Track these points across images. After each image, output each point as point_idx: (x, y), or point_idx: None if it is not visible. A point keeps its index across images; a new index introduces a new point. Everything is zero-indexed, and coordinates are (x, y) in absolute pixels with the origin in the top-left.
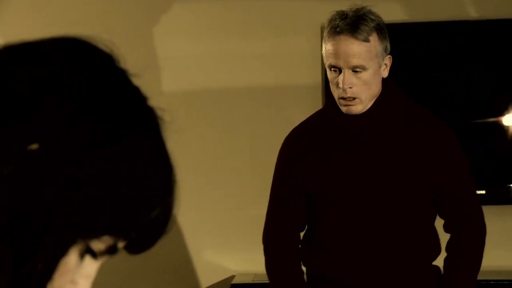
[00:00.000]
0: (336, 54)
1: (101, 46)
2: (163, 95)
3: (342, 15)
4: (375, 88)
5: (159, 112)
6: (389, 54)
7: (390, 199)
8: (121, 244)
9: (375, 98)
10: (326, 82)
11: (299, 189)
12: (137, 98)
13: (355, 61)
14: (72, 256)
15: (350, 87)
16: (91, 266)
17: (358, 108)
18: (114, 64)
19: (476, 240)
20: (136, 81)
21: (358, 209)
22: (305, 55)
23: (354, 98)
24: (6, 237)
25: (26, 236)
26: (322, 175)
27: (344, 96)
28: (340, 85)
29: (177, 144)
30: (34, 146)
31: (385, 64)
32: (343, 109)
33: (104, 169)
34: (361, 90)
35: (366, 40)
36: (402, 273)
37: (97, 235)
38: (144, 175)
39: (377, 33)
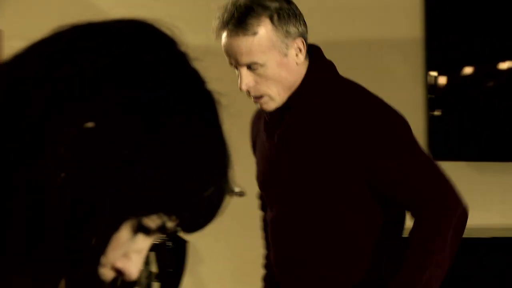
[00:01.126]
0: (226, 51)
1: (164, 29)
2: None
3: (230, 5)
4: (287, 80)
5: (216, 96)
6: (301, 36)
7: (304, 200)
8: (173, 223)
9: (293, 88)
10: (427, 33)
11: None
12: (195, 81)
13: (245, 59)
14: (124, 231)
15: (250, 86)
16: (144, 242)
17: (271, 105)
18: (176, 48)
19: (428, 229)
20: (197, 65)
21: (273, 207)
22: (405, 6)
23: (261, 96)
24: (60, 212)
25: (80, 212)
26: (257, 165)
27: (250, 95)
28: (239, 86)
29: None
30: (90, 125)
31: (296, 49)
32: (259, 106)
33: (158, 149)
34: (266, 87)
35: (254, 33)
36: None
37: (149, 213)
38: (198, 155)
39: (271, 20)
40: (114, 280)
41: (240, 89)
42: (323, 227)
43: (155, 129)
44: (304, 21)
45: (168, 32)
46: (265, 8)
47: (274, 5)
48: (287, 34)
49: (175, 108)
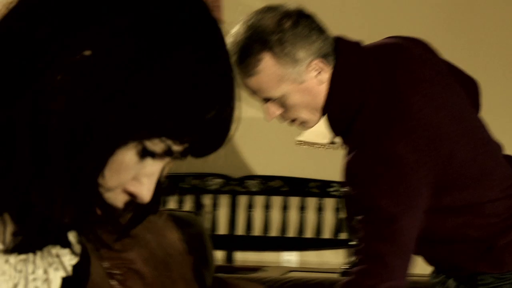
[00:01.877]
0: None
1: None
2: None
3: (232, 44)
4: (314, 101)
5: (220, 25)
6: (317, 54)
7: None
8: (179, 147)
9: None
10: None
11: None
12: (196, 7)
13: (260, 96)
14: (128, 154)
15: (277, 116)
16: (154, 166)
17: (309, 125)
18: None
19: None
20: None
21: None
22: None
23: (294, 120)
24: (61, 136)
25: (79, 134)
26: None
27: (284, 121)
28: (266, 117)
29: None
30: (87, 53)
31: (314, 71)
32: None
33: (155, 73)
34: (294, 114)
35: (256, 72)
36: None
37: (148, 136)
38: (196, 79)
39: (273, 55)
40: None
41: (267, 120)
42: None
43: (153, 53)
44: (321, 30)
45: None
46: (264, 43)
47: (275, 37)
48: (297, 61)
49: (174, 34)
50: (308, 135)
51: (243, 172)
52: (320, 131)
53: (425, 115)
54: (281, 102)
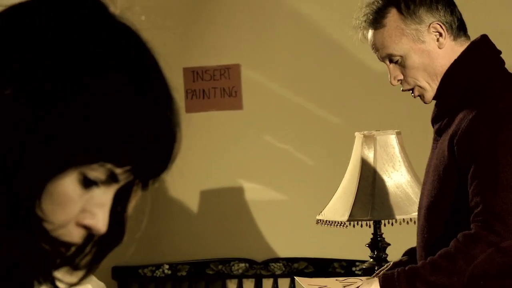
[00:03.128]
0: (372, 49)
1: None
2: None
3: (364, 6)
4: (431, 66)
5: (148, 43)
6: (439, 21)
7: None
8: (119, 170)
9: (442, 73)
10: None
11: None
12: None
13: (382, 52)
14: (70, 185)
15: (400, 79)
16: (103, 196)
17: (428, 95)
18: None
19: (459, 244)
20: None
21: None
22: None
23: (413, 89)
24: None
25: (6, 168)
26: None
27: (404, 89)
28: (390, 81)
29: None
30: (7, 92)
31: (435, 33)
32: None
33: (73, 103)
34: (414, 78)
35: (383, 26)
36: None
37: (82, 162)
38: (120, 102)
39: (398, 10)
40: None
41: (391, 83)
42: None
43: (70, 82)
44: (447, 3)
45: None
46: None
47: None
48: (420, 20)
49: (94, 60)
50: (327, 213)
51: (267, 255)
52: (338, 208)
53: None
54: (402, 64)
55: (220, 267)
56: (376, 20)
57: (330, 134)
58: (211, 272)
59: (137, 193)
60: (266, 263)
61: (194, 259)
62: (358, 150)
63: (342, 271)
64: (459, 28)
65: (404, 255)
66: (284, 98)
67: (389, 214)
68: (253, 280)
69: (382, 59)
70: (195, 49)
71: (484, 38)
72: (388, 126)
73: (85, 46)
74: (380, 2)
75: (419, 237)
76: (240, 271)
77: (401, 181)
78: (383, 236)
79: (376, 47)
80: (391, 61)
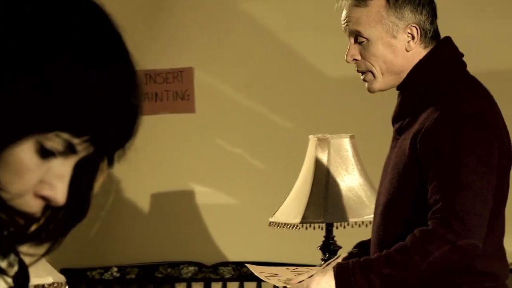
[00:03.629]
0: (342, 22)
1: None
2: None
3: None
4: (391, 63)
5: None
6: (418, 24)
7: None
8: (77, 140)
9: (400, 74)
10: None
11: None
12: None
13: (352, 26)
14: (27, 154)
15: (355, 60)
16: (62, 167)
17: (374, 85)
18: None
19: (416, 238)
20: None
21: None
22: None
23: (364, 72)
24: None
25: None
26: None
27: (359, 70)
28: (345, 57)
29: None
30: None
31: (408, 35)
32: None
33: (39, 68)
34: (369, 63)
35: (366, 5)
36: None
37: (39, 131)
38: (87, 72)
39: None
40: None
41: (346, 60)
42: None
43: (37, 50)
44: (434, 13)
45: None
46: None
47: None
48: (401, 16)
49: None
50: (280, 216)
51: (217, 259)
52: (291, 210)
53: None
54: (366, 47)
55: (169, 270)
56: None
57: (282, 139)
58: (160, 276)
59: (104, 170)
60: (215, 267)
61: (143, 262)
62: (312, 153)
63: None
64: (432, 38)
65: (355, 247)
66: (237, 102)
67: (342, 217)
68: (202, 283)
69: (349, 33)
70: (148, 52)
71: (446, 40)
72: (341, 131)
73: (49, 19)
74: None
75: (374, 235)
76: (190, 274)
77: (354, 184)
78: (335, 239)
79: (348, 20)
80: (356, 40)
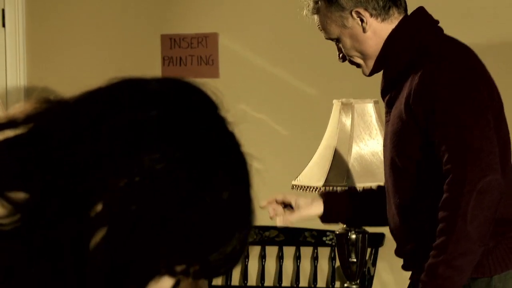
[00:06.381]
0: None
1: (208, 92)
2: None
3: None
4: (360, 48)
5: (249, 158)
6: (360, 5)
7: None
8: (195, 268)
9: (376, 53)
10: None
11: None
12: (231, 143)
13: (324, 35)
14: (166, 284)
15: (343, 58)
16: (167, 282)
17: (364, 70)
18: (216, 111)
19: (445, 206)
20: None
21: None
22: None
23: (353, 64)
24: (101, 267)
25: (119, 267)
26: None
27: (351, 64)
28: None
29: None
30: (137, 178)
31: (357, 19)
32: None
33: (199, 206)
34: (351, 57)
35: (317, 12)
36: None
37: (179, 263)
38: (231, 213)
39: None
40: None
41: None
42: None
43: (197, 187)
44: None
45: (211, 95)
46: None
47: None
48: (342, 8)
49: (214, 168)
50: (303, 179)
51: None
52: (314, 173)
53: (492, 81)
54: (342, 46)
55: None
56: (313, 6)
57: (306, 104)
58: None
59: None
60: None
61: None
62: (336, 117)
63: (313, 241)
64: (386, 8)
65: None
66: (261, 68)
67: (364, 181)
68: None
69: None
70: (173, 17)
71: (420, 9)
72: (365, 96)
73: (210, 151)
74: None
75: (390, 204)
76: None
77: (377, 149)
78: None
79: (319, 28)
80: (334, 40)
